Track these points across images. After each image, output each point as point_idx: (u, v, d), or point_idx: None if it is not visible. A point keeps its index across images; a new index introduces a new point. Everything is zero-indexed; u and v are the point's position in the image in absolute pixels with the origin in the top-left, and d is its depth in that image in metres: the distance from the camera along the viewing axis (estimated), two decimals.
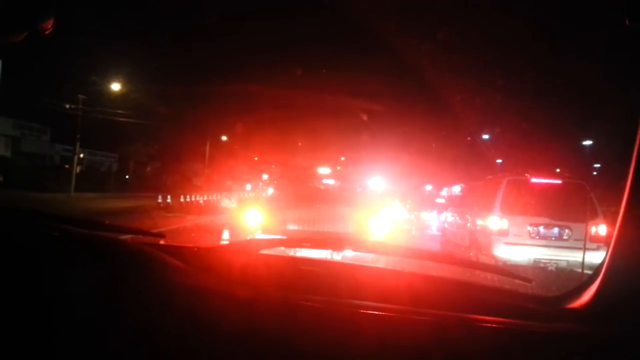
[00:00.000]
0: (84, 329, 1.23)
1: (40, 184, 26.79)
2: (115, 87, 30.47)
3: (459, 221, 11.71)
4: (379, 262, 2.02)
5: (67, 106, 31.55)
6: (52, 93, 31.59)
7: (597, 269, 1.34)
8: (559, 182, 9.46)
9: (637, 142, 1.22)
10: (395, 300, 1.41)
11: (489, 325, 1.31)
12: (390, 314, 1.32)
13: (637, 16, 1.11)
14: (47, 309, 1.23)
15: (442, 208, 17.73)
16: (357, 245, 1.89)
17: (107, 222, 1.92)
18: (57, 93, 31.69)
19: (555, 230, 8.60)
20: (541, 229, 8.63)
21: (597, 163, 29.29)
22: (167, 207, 22.50)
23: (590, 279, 1.36)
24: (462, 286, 1.67)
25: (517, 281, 1.76)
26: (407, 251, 2.02)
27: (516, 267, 8.10)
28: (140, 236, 1.90)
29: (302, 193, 9.67)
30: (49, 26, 1.42)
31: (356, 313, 1.32)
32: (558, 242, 8.56)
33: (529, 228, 8.63)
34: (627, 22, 1.10)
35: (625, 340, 1.24)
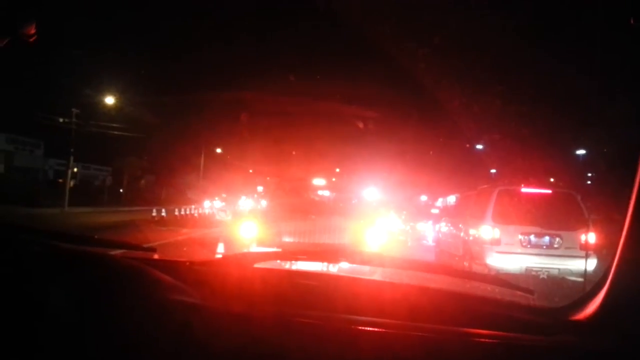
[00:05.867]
0: (69, 351, 1.17)
1: (33, 199, 26.55)
2: (109, 100, 30.38)
3: (453, 231, 11.83)
4: (375, 274, 1.98)
5: (61, 120, 31.42)
6: (45, 107, 31.53)
7: (601, 280, 1.31)
8: (549, 191, 9.71)
9: None
10: (392, 313, 1.37)
11: (490, 340, 1.26)
12: (387, 330, 1.27)
13: None
14: (31, 329, 1.17)
15: (437, 218, 17.73)
16: (352, 257, 1.85)
17: (96, 236, 1.86)
18: (51, 107, 31.63)
19: (546, 238, 8.78)
20: (532, 237, 8.79)
21: (590, 172, 29.38)
22: (161, 221, 22.35)
23: (594, 290, 1.32)
24: (461, 298, 1.63)
25: (518, 293, 1.72)
26: (405, 263, 1.98)
27: (517, 277, 8.18)
28: (130, 251, 1.84)
29: (297, 205, 9.63)
30: (32, 32, 1.37)
31: (352, 329, 1.28)
32: (549, 250, 8.74)
33: (520, 237, 8.79)
34: (631, 21, 1.07)
35: (631, 354, 1.20)
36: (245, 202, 34.61)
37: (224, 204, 32.57)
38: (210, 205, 29.69)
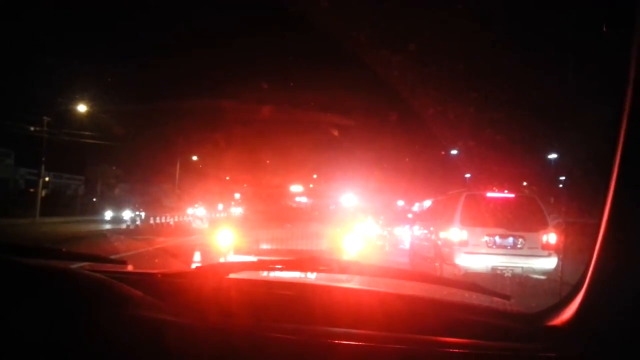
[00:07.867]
0: None
1: (4, 209, 25.94)
2: (81, 108, 29.81)
3: (425, 234, 12.31)
4: (352, 282, 1.95)
5: (32, 129, 30.74)
6: (15, 115, 30.80)
7: (578, 283, 1.30)
8: (512, 195, 10.34)
9: (618, 154, 1.18)
10: (369, 323, 1.34)
11: (467, 350, 1.25)
12: (363, 343, 1.25)
13: (615, 22, 1.10)
14: None
15: (413, 223, 17.90)
16: (330, 266, 1.82)
17: (63, 249, 1.79)
18: (21, 115, 30.91)
19: (510, 239, 9.31)
20: (497, 238, 9.32)
21: (562, 176, 29.97)
22: (135, 230, 21.99)
23: (572, 294, 1.32)
24: (438, 305, 1.61)
25: (495, 299, 1.71)
26: (382, 270, 1.95)
27: (493, 279, 8.39)
28: (100, 264, 1.78)
29: (274, 212, 9.59)
30: None
31: (328, 343, 1.25)
32: (513, 250, 9.29)
33: (486, 238, 9.33)
34: (604, 28, 1.08)
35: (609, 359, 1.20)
36: (198, 210, 33.54)
37: (144, 213, 30.14)
38: (120, 218, 26.67)
